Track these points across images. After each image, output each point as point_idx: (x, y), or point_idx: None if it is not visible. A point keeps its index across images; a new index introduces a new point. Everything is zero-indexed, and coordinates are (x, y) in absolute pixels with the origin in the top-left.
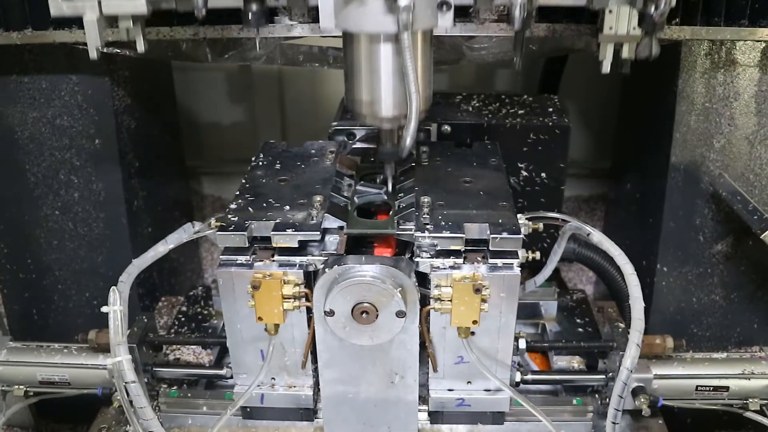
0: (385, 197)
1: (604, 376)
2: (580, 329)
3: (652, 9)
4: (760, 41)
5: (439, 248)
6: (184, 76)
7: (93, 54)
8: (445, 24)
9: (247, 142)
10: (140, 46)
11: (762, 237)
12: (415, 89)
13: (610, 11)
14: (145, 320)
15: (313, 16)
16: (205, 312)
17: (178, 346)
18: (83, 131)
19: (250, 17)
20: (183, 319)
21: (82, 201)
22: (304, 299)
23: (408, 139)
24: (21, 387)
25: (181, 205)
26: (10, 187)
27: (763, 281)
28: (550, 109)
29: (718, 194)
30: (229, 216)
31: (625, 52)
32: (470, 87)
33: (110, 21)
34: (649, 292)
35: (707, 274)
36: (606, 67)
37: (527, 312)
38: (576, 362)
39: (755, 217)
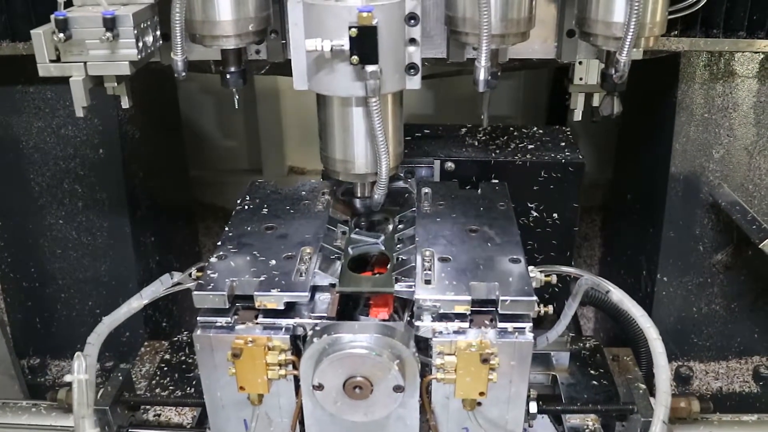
0: (382, 247)
1: None
2: (595, 382)
3: (613, 71)
4: (758, 52)
5: (442, 311)
6: (188, 86)
7: (79, 112)
8: (413, 86)
9: (249, 152)
10: (125, 103)
11: (761, 246)
12: (384, 150)
13: (580, 63)
14: (120, 378)
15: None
16: (189, 361)
17: None
18: (87, 141)
19: (228, 77)
20: (165, 368)
21: (86, 210)
22: (290, 367)
23: (378, 195)
24: None
25: (183, 214)
26: (15, 196)
27: (763, 291)
28: (563, 143)
29: (718, 204)
30: (209, 271)
31: (596, 101)
32: (469, 102)
33: (96, 80)
34: (650, 302)
35: (707, 283)
36: (577, 115)
37: (537, 362)
38: (591, 421)
39: (754, 227)
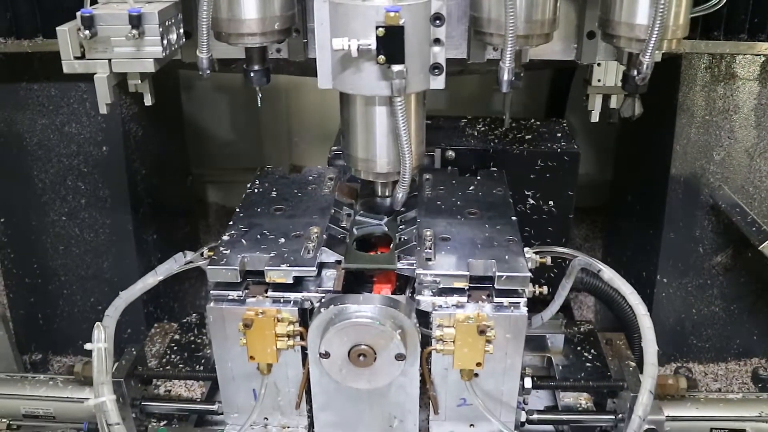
0: (386, 228)
1: (613, 417)
2: (588, 364)
3: (635, 73)
4: (759, 55)
5: (441, 286)
6: (191, 84)
7: (103, 109)
8: (437, 86)
9: (251, 151)
10: (147, 100)
11: (761, 248)
12: (407, 149)
13: (598, 65)
14: (134, 352)
15: (309, 66)
16: (199, 341)
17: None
18: (91, 138)
19: (252, 75)
20: (176, 347)
21: (89, 207)
22: (298, 338)
23: (401, 194)
24: (4, 420)
25: (185, 212)
26: (18, 193)
27: (762, 293)
28: (559, 134)
29: (718, 206)
30: (221, 248)
31: (613, 103)
32: (472, 101)
33: (119, 77)
34: (649, 303)
35: (707, 285)
36: (595, 117)
37: (533, 345)
38: (584, 399)
39: (754, 229)
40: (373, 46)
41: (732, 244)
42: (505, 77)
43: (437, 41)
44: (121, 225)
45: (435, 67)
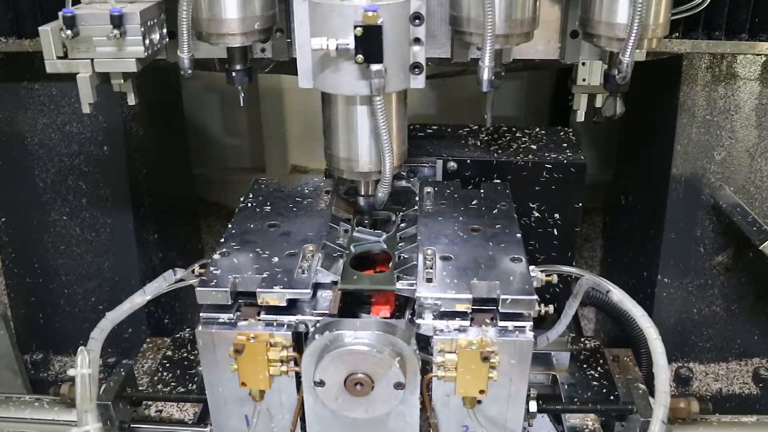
0: (384, 246)
1: None
2: (595, 383)
3: (616, 72)
4: (761, 55)
5: (443, 309)
6: (192, 84)
7: (86, 109)
8: (417, 85)
9: (252, 150)
10: (131, 100)
11: (761, 248)
12: (388, 148)
13: (583, 64)
14: (123, 372)
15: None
16: (192, 357)
17: None
18: (92, 138)
19: (234, 75)
20: (167, 364)
21: (90, 206)
22: (292, 363)
23: (382, 194)
24: None
25: (186, 212)
26: (19, 192)
27: (763, 293)
28: (564, 144)
29: (719, 206)
30: (212, 268)
31: (599, 102)
32: (470, 104)
33: (102, 77)
34: (650, 303)
35: (708, 285)
36: (580, 116)
37: (538, 362)
38: (590, 420)
39: (755, 229)
40: (352, 46)
41: (733, 244)
42: (485, 76)
43: (417, 41)
44: (122, 224)
45: (415, 67)
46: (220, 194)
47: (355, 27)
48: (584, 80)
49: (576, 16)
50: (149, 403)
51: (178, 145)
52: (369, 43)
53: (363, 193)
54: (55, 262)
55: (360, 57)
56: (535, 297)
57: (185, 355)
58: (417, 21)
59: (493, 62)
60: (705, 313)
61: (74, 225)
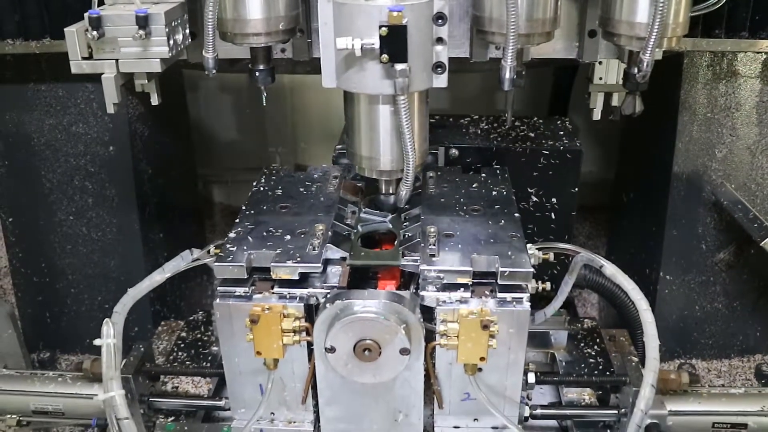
0: (390, 226)
1: (616, 412)
2: (591, 360)
3: (635, 70)
4: (761, 53)
5: (445, 281)
6: (196, 85)
7: (110, 109)
8: (440, 84)
9: (256, 151)
10: (154, 100)
11: (763, 245)
12: (411, 147)
13: (600, 63)
14: (142, 349)
15: (315, 65)
16: (205, 338)
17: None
18: (98, 138)
19: (257, 75)
20: (182, 345)
21: (96, 206)
22: (304, 333)
23: (404, 192)
24: (14, 416)
25: (191, 211)
26: (26, 193)
27: (765, 289)
28: (561, 132)
29: (720, 203)
30: (228, 245)
31: (615, 101)
32: (474, 99)
33: (126, 77)
34: (652, 300)
35: (709, 282)
36: (597, 115)
37: (536, 341)
38: (587, 395)
39: (756, 226)
40: (377, 46)
41: (734, 241)
42: (507, 76)
43: (440, 40)
44: (128, 224)
45: (438, 66)
46: (225, 194)
47: (380, 27)
48: (601, 79)
49: (594, 15)
50: (166, 380)
51: (184, 145)
52: (394, 42)
53: (384, 192)
54: (61, 262)
55: (385, 57)
56: (532, 270)
57: (199, 336)
58: (440, 21)
59: (515, 62)
60: (707, 309)
61: (80, 225)
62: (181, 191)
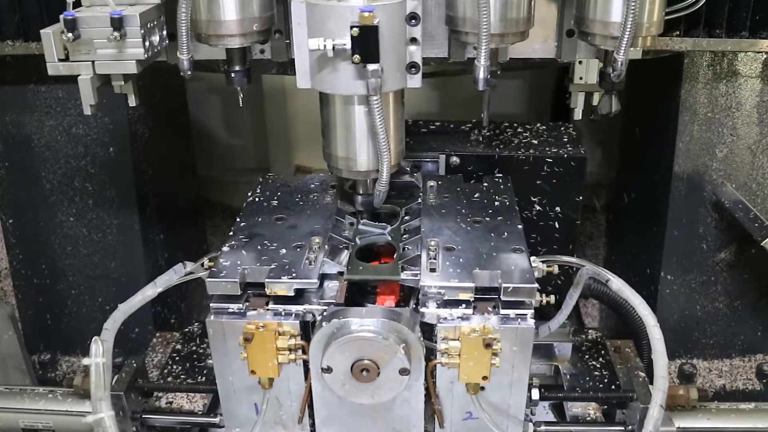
0: (389, 238)
1: (623, 428)
2: (597, 372)
3: (611, 70)
4: (761, 52)
5: (446, 297)
6: (196, 86)
7: (87, 110)
8: (414, 85)
9: (257, 151)
10: (132, 102)
11: (764, 245)
12: (385, 147)
13: (580, 62)
14: (134, 365)
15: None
16: (201, 351)
17: None
18: (98, 139)
19: (233, 76)
20: (177, 357)
21: (96, 208)
22: (300, 352)
23: (380, 193)
24: None
25: (192, 212)
26: (27, 194)
27: (766, 289)
28: (565, 139)
29: (721, 203)
30: (221, 260)
31: (596, 100)
32: (470, 103)
33: (103, 79)
34: (653, 300)
35: (711, 282)
36: (577, 114)
37: (540, 353)
38: (592, 409)
39: (757, 225)
40: (349, 46)
41: (735, 240)
42: (481, 75)
43: (413, 40)
44: (129, 225)
45: (412, 66)
46: (226, 195)
47: (352, 27)
48: (581, 78)
49: (571, 15)
50: (160, 395)
51: (184, 146)
52: (365, 43)
53: (362, 192)
54: (62, 263)
55: (357, 57)
56: (536, 285)
57: (194, 348)
58: (413, 21)
59: (489, 61)
60: (708, 309)
61: (81, 226)
62: (182, 192)
